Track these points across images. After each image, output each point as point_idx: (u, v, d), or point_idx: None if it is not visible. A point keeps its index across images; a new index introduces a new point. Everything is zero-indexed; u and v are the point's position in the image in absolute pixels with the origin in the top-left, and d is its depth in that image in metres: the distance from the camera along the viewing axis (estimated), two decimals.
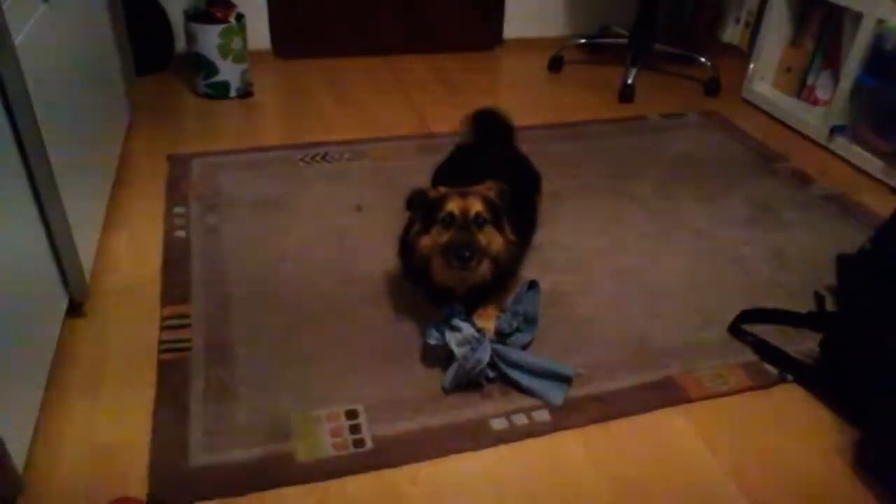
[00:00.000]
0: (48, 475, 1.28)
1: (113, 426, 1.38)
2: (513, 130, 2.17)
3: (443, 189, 1.59)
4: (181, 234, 1.96)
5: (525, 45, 3.56)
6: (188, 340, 1.58)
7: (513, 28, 3.57)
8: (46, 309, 1.46)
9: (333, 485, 1.28)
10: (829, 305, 1.78)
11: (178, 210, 2.07)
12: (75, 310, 1.63)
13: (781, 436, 1.44)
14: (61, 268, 1.54)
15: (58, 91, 1.62)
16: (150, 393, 1.45)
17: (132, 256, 1.88)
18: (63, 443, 1.34)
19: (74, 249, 1.55)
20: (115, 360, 1.54)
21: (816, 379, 1.55)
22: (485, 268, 1.57)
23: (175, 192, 2.17)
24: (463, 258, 1.48)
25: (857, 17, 2.51)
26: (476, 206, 1.54)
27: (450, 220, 1.53)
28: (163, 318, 1.65)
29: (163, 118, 2.68)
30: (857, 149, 2.54)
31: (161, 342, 1.58)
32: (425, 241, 1.57)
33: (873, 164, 2.47)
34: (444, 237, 1.53)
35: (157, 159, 2.35)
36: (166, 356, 1.54)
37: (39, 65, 1.47)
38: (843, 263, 1.82)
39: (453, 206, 1.53)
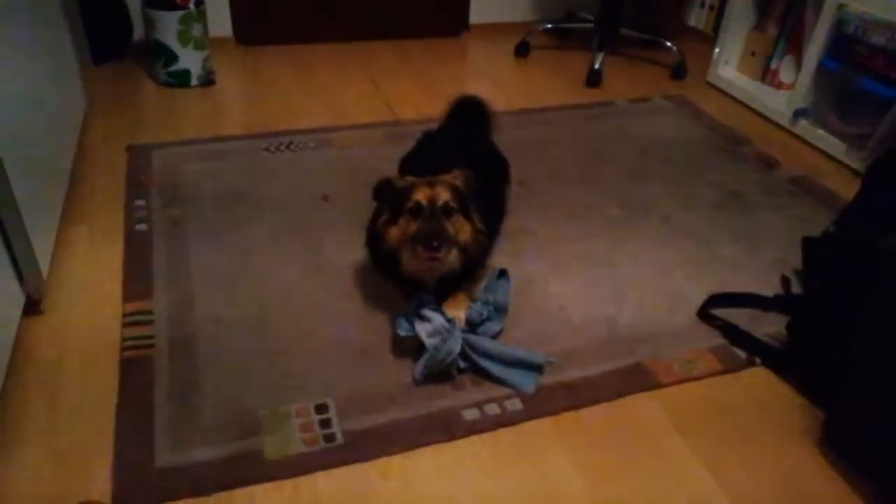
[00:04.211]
0: (7, 480, 1.23)
1: (74, 427, 1.34)
2: (490, 119, 2.15)
3: (410, 178, 1.57)
4: (142, 227, 1.91)
5: (491, 30, 3.54)
6: (151, 337, 1.54)
7: (479, 13, 3.54)
8: (1, 307, 1.41)
9: (304, 481, 1.26)
10: (796, 288, 1.81)
11: (139, 202, 2.02)
12: (32, 307, 1.58)
13: (751, 418, 1.46)
14: (16, 264, 1.49)
15: (7, 81, 1.55)
16: (112, 392, 1.41)
17: (91, 251, 1.83)
18: (22, 446, 1.30)
19: (30, 245, 1.50)
20: (76, 359, 1.49)
21: (784, 362, 1.57)
22: (454, 257, 1.55)
23: (135, 184, 2.11)
24: (431, 248, 1.47)
25: (820, 2, 2.53)
26: (444, 196, 1.52)
27: (417, 210, 1.51)
28: (125, 315, 1.60)
29: (121, 108, 2.60)
30: (821, 132, 2.57)
31: (123, 339, 1.53)
32: (393, 232, 1.55)
33: (836, 147, 2.50)
34: (413, 227, 1.51)
35: (116, 150, 2.28)
36: (129, 353, 1.50)
37: None
38: (808, 246, 1.84)
39: (421, 195, 1.51)
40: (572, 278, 1.82)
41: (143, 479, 1.24)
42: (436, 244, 1.47)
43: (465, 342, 1.47)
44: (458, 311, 1.56)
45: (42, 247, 1.60)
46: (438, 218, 1.50)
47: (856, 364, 1.35)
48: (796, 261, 1.87)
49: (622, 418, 1.44)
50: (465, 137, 2.01)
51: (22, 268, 1.50)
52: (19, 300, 1.51)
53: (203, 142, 2.38)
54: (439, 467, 1.31)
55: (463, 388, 1.46)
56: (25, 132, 1.64)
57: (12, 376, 1.41)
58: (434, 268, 1.55)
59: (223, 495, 1.23)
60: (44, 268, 1.58)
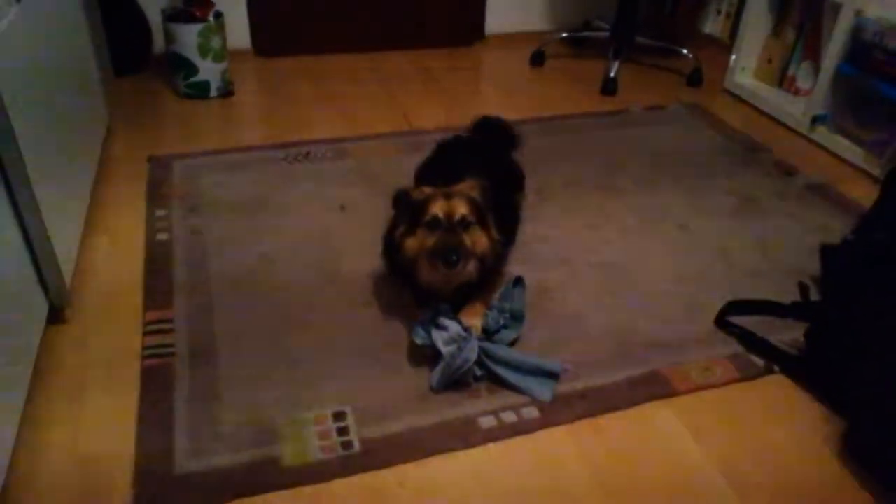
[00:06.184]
0: (31, 485, 1.26)
1: (96, 434, 1.36)
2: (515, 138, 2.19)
3: (427, 189, 1.58)
4: (163, 236, 1.94)
5: (507, 39, 3.56)
6: (172, 345, 1.56)
7: (495, 23, 3.56)
8: (26, 316, 1.44)
9: (321, 488, 1.27)
10: (814, 295, 1.79)
11: (160, 213, 2.05)
12: (56, 316, 1.60)
13: (768, 427, 1.45)
14: (40, 274, 1.52)
15: (33, 93, 1.59)
16: (133, 399, 1.43)
17: (113, 261, 1.86)
18: (46, 452, 1.32)
19: (54, 255, 1.53)
20: (98, 367, 1.52)
21: (802, 369, 1.56)
22: (471, 268, 1.56)
23: (156, 194, 2.14)
24: (450, 262, 1.48)
25: (836, 8, 2.52)
26: (461, 209, 1.53)
27: (435, 224, 1.52)
28: (146, 323, 1.63)
29: (143, 120, 2.64)
30: (839, 138, 2.56)
31: (144, 347, 1.56)
32: (411, 244, 1.56)
33: (854, 153, 2.48)
34: (430, 240, 1.52)
35: (137, 161, 2.32)
36: (150, 362, 1.52)
37: (13, 67, 1.44)
38: (827, 253, 1.83)
39: (438, 208, 1.52)
40: (588, 286, 1.82)
41: (163, 486, 1.25)
42: (454, 258, 1.48)
43: (482, 350, 1.48)
44: (475, 319, 1.57)
45: (65, 256, 1.62)
46: (456, 232, 1.52)
47: (875, 372, 1.34)
48: (814, 268, 1.86)
49: (638, 426, 1.43)
50: (479, 146, 2.02)
51: (46, 277, 1.53)
52: (43, 309, 1.54)
53: (222, 152, 2.41)
54: (456, 475, 1.31)
55: (479, 396, 1.47)
56: (49, 144, 1.67)
57: (36, 383, 1.43)
58: (451, 279, 1.56)
59: (242, 502, 1.24)
60: (67, 277, 1.61)
